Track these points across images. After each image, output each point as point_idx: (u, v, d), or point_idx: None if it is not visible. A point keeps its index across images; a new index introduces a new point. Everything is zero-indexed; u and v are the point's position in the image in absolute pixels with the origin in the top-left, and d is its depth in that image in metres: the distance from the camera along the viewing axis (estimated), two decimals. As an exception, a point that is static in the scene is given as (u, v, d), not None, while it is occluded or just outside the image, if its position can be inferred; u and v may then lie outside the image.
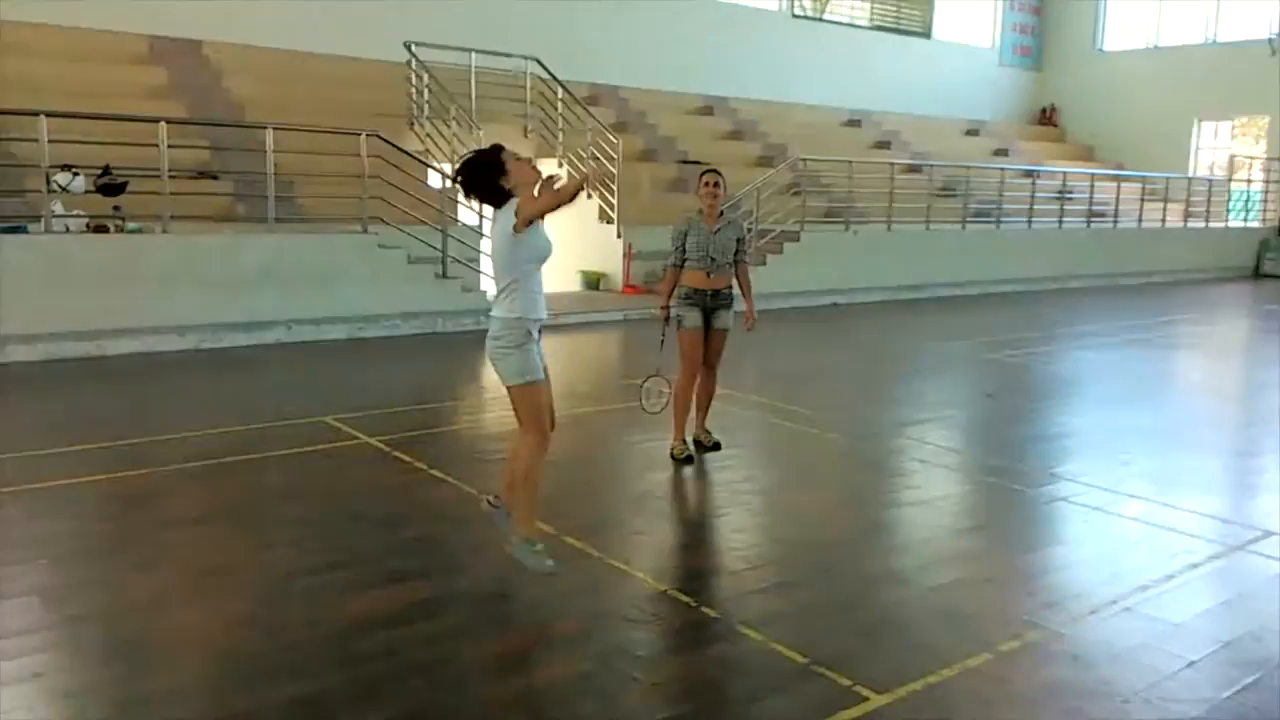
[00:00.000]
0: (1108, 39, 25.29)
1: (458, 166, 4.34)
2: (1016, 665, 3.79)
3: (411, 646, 3.78)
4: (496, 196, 4.25)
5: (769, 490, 6.09)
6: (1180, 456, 7.07)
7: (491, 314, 4.35)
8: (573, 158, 14.92)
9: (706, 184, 6.37)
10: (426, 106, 13.71)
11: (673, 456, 6.36)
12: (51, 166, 9.23)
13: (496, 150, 4.31)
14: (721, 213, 6.48)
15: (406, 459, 6.23)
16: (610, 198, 14.26)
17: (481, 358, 10.38)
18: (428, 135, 13.52)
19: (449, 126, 13.24)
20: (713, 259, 6.37)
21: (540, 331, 4.40)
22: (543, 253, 4.32)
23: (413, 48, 13.55)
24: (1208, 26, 23.67)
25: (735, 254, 6.45)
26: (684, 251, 6.40)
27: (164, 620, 3.96)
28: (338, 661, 3.66)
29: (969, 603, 4.36)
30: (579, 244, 14.99)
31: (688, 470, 6.21)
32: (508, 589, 4.37)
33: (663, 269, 6.74)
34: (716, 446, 6.62)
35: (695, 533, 5.25)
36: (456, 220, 11.99)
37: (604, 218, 14.51)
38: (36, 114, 9.07)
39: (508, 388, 4.34)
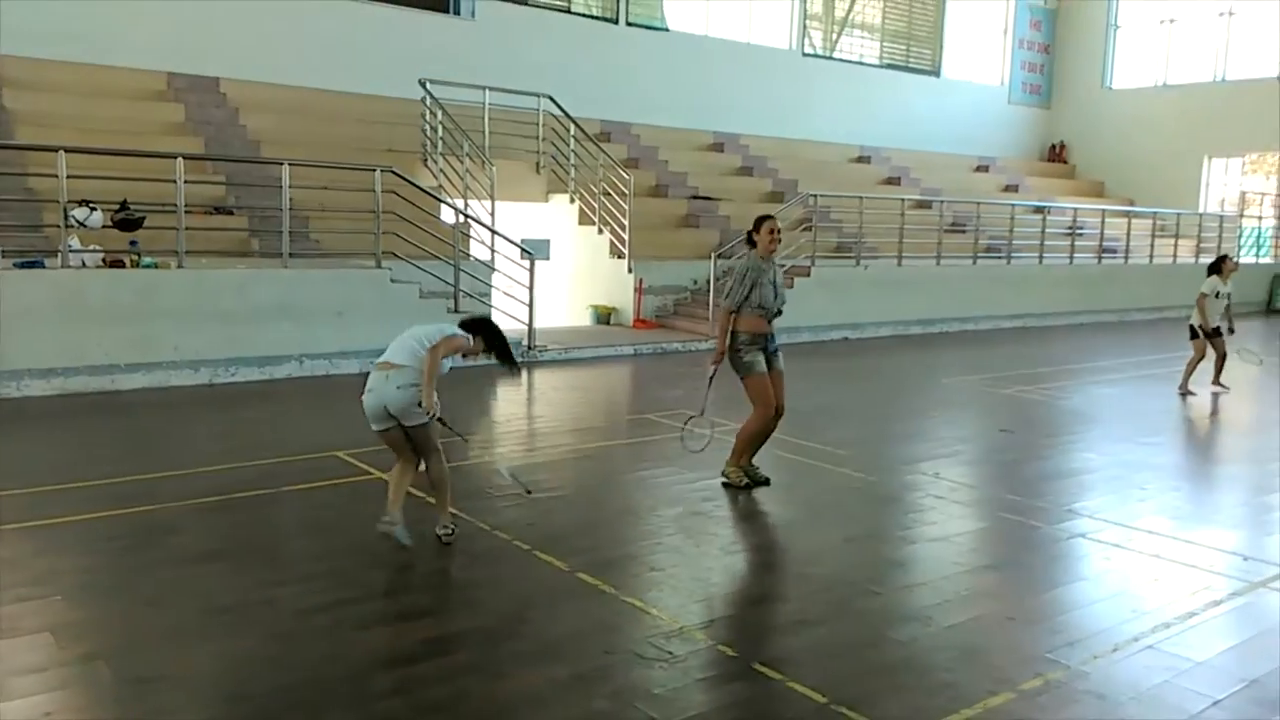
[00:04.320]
0: (1116, 77, 25.43)
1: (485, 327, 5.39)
2: (1040, 704, 3.72)
3: (424, 685, 3.74)
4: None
5: (783, 526, 6.03)
6: (1198, 492, 6.99)
7: (403, 379, 5.03)
8: (584, 193, 15.01)
9: (773, 230, 6.40)
10: (440, 143, 13.83)
11: (731, 483, 6.50)
12: (69, 202, 9.31)
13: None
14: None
15: (417, 494, 6.18)
16: (622, 233, 14.32)
17: (492, 393, 10.36)
18: (441, 171, 13.63)
19: (462, 163, 13.34)
20: (779, 310, 6.47)
21: None
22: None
23: (427, 85, 13.70)
24: (1217, 64, 23.78)
25: None
26: (748, 298, 6.35)
27: (175, 658, 3.93)
28: (351, 699, 3.62)
29: (989, 641, 4.30)
30: (590, 279, 15.05)
31: (702, 504, 6.17)
32: (519, 627, 4.33)
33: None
34: (764, 483, 6.61)
35: (710, 569, 5.19)
36: (468, 255, 12.04)
37: (615, 253, 14.55)
38: (55, 149, 9.17)
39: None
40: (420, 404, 4.97)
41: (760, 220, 6.50)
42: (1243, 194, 24.26)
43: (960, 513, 6.29)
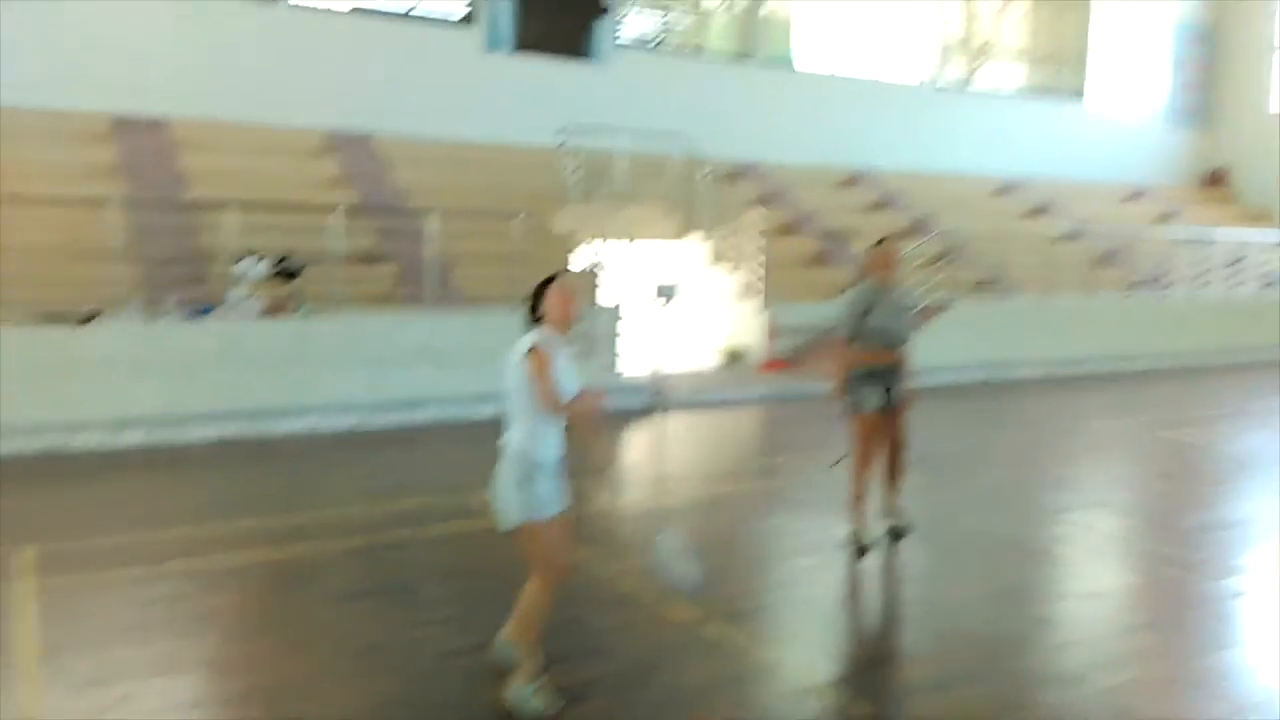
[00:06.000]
0: (1275, 102, 23.87)
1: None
2: (1206, 783, 3.47)
3: (559, 733, 3.78)
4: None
5: (924, 579, 5.84)
6: (1387, 549, 6.41)
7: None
8: (716, 233, 15.07)
9: (883, 254, 6.01)
10: (577, 188, 14.16)
11: (849, 544, 5.94)
12: (236, 254, 9.95)
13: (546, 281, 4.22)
14: None
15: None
16: (753, 273, 14.29)
17: (622, 438, 10.44)
18: (577, 216, 13.93)
19: (597, 206, 13.60)
20: (902, 337, 5.94)
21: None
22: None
23: (564, 134, 14.08)
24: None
25: None
26: (863, 327, 5.87)
27: (322, 699, 4.09)
28: (487, 745, 3.69)
29: (1150, 705, 4.05)
30: (720, 319, 15.04)
31: (837, 556, 6.03)
32: (650, 676, 4.32)
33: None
34: (903, 533, 6.07)
35: (847, 623, 5.07)
36: (594, 303, 12.22)
37: (746, 293, 14.51)
38: (224, 205, 9.84)
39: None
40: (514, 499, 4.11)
41: (878, 242, 6.24)
42: None
43: (1114, 567, 5.96)
